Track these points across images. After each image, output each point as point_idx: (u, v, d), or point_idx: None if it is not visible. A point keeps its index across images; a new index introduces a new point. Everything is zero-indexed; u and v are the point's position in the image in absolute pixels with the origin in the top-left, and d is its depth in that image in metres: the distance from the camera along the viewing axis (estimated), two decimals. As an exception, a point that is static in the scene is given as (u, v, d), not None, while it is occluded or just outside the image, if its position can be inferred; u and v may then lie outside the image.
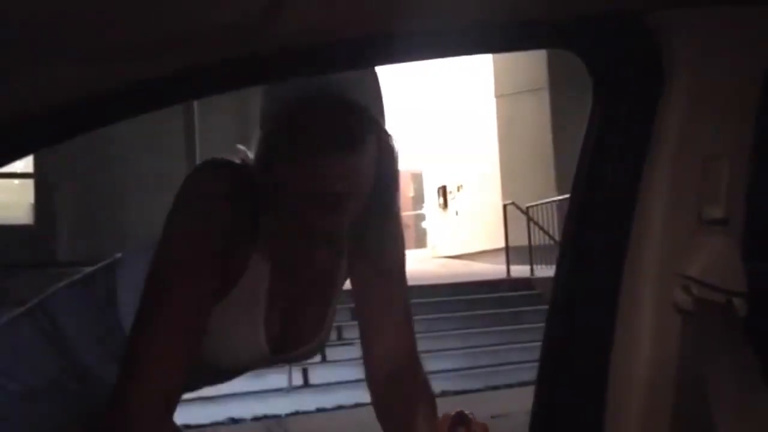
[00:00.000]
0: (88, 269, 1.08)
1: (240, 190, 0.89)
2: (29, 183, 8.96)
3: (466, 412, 0.89)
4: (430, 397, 1.06)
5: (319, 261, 0.97)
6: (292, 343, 1.03)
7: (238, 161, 0.93)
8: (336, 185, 0.83)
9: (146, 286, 0.88)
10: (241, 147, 0.94)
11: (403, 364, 1.06)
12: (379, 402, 1.07)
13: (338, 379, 5.89)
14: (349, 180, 0.84)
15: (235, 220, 0.88)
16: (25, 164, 8.67)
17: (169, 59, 0.58)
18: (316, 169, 0.82)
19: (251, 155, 0.91)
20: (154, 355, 0.84)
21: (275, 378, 6.00)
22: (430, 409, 1.03)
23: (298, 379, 6.27)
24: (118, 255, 1.07)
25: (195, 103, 6.66)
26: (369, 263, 1.03)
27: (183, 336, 0.86)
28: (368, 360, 1.07)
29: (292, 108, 0.84)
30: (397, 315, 1.07)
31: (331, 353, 6.08)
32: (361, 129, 0.86)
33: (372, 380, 1.07)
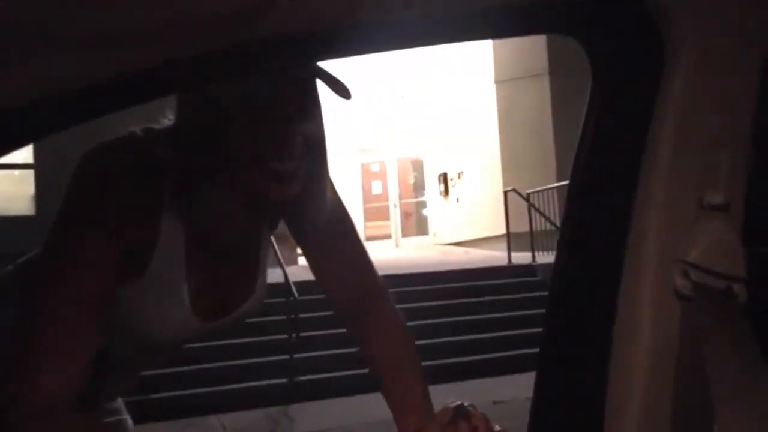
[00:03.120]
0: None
1: (134, 166, 0.86)
2: (30, 174, 8.96)
3: (466, 403, 0.89)
4: (403, 324, 1.08)
5: (244, 228, 0.97)
6: (224, 308, 1.01)
7: (138, 134, 0.91)
8: (294, 149, 0.83)
9: (36, 277, 0.86)
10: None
11: (364, 293, 1.08)
12: (349, 326, 1.10)
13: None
14: (303, 151, 0.84)
15: (129, 197, 0.85)
16: (25, 155, 8.67)
17: (166, 47, 0.57)
18: (272, 129, 0.82)
19: (158, 125, 0.90)
20: (45, 348, 0.80)
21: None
22: (404, 334, 1.06)
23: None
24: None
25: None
26: (306, 220, 1.02)
27: (74, 328, 0.82)
28: (329, 293, 1.10)
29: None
30: (346, 253, 1.08)
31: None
32: (313, 86, 0.86)
33: (337, 309, 1.11)
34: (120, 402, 1.24)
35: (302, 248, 1.09)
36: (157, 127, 0.92)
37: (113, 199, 0.84)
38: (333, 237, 1.06)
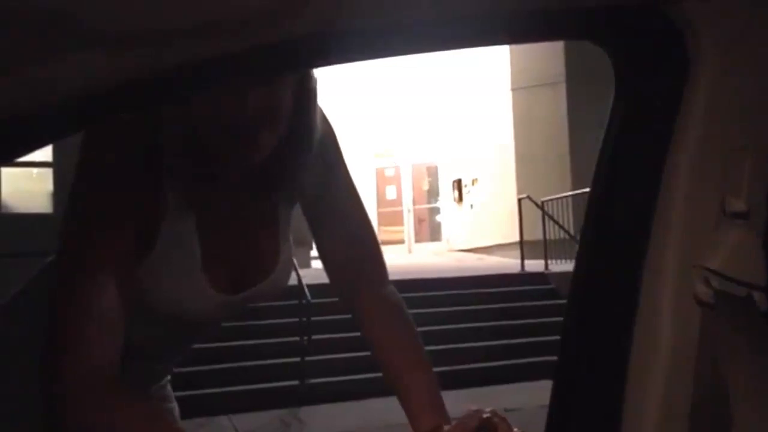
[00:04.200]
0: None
1: (137, 142, 0.89)
2: (48, 172, 9.05)
3: (489, 412, 0.87)
4: (408, 318, 1.08)
5: (251, 198, 0.99)
6: (241, 282, 1.02)
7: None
8: (251, 115, 0.85)
9: (58, 258, 0.89)
10: None
11: (364, 271, 1.10)
12: (347, 301, 1.11)
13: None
14: (264, 111, 0.86)
15: (134, 172, 0.88)
16: (44, 153, 8.76)
17: (192, 47, 0.58)
18: (234, 100, 0.84)
19: None
20: (79, 320, 0.83)
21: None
22: (410, 328, 1.07)
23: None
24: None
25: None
26: (313, 198, 1.05)
27: (105, 296, 0.85)
28: (326, 267, 1.11)
29: None
30: (351, 227, 1.10)
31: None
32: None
33: (334, 287, 1.12)
34: (169, 389, 1.24)
35: (306, 215, 1.11)
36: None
37: (122, 169, 0.88)
38: (336, 206, 1.08)
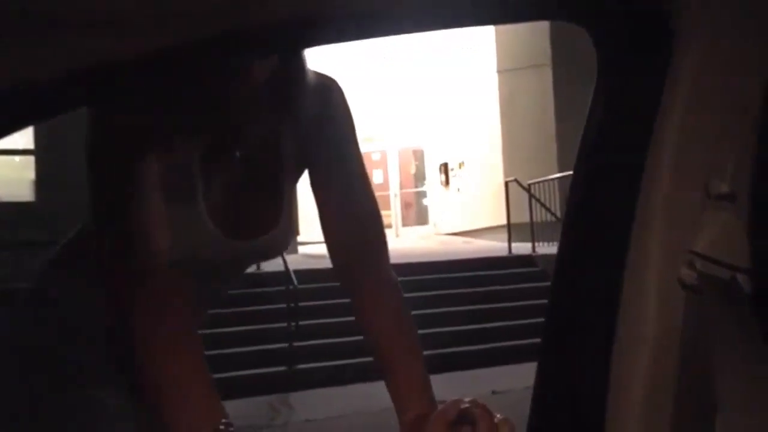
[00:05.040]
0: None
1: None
2: (30, 159, 8.95)
3: (469, 401, 0.86)
4: (402, 295, 1.10)
5: (253, 146, 1.02)
6: (247, 228, 1.04)
7: None
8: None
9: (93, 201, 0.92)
10: None
11: (367, 254, 1.10)
12: (346, 285, 1.11)
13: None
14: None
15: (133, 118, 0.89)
16: (26, 141, 8.65)
17: (167, 31, 0.57)
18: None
19: None
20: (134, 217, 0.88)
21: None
22: (402, 305, 1.08)
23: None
24: None
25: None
26: (324, 165, 1.08)
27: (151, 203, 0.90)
28: (328, 243, 1.12)
29: None
30: (352, 195, 1.10)
31: (333, 330, 6.10)
32: None
33: (333, 260, 1.13)
34: None
35: (314, 189, 1.12)
36: None
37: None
38: (342, 176, 1.09)
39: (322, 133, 1.07)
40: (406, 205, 16.23)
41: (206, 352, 1.00)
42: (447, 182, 13.98)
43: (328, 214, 1.10)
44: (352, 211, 1.09)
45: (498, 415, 0.86)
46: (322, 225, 1.11)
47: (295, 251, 8.00)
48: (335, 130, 1.09)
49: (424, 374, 1.01)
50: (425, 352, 1.06)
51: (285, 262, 6.25)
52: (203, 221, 0.99)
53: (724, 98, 0.64)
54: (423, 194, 15.84)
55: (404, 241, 13.72)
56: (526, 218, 9.17)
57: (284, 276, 6.28)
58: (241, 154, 1.02)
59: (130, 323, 0.87)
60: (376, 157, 16.07)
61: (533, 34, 10.49)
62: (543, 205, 9.03)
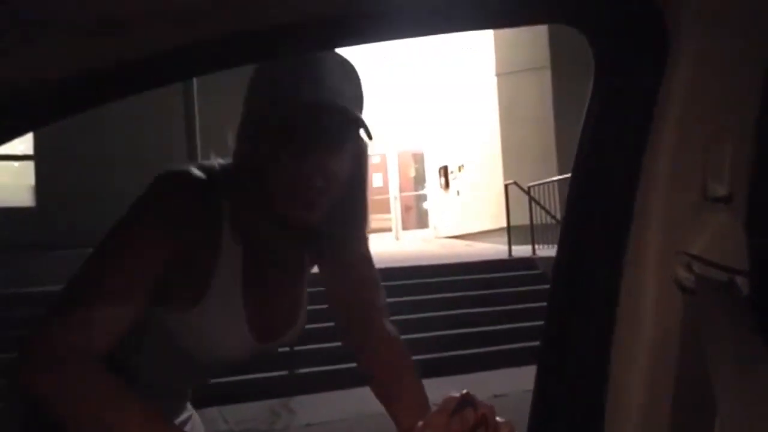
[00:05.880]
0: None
1: (200, 186, 0.94)
2: (30, 165, 8.96)
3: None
4: (410, 360, 1.13)
5: (291, 250, 1.06)
6: (273, 330, 1.08)
7: (198, 166, 1.00)
8: (317, 182, 0.91)
9: (99, 248, 0.92)
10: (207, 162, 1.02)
11: (375, 332, 1.14)
12: (353, 348, 1.16)
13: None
14: (328, 178, 0.92)
15: (192, 206, 0.93)
16: (25, 146, 8.66)
17: (171, 33, 0.57)
18: (301, 168, 0.90)
19: (215, 160, 1.01)
20: (93, 299, 0.86)
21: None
22: (412, 369, 1.11)
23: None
24: None
25: (194, 82, 6.62)
26: (337, 252, 1.11)
27: (125, 295, 0.88)
28: (334, 313, 1.18)
29: (281, 109, 0.91)
30: (364, 292, 1.16)
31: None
32: (345, 132, 0.94)
33: (347, 345, 1.18)
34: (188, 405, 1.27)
35: (325, 284, 1.17)
36: (213, 163, 1.02)
37: (177, 205, 0.93)
38: (357, 274, 1.15)
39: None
40: (406, 209, 16.22)
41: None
42: (447, 185, 13.97)
43: (331, 282, 1.16)
44: (354, 278, 1.15)
45: (499, 418, 0.87)
46: (325, 289, 1.17)
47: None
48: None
49: (423, 402, 1.04)
50: (426, 356, 1.09)
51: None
52: (243, 329, 1.01)
53: (720, 99, 0.65)
54: (423, 197, 15.83)
55: (404, 245, 13.71)
56: (526, 221, 9.17)
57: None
58: (274, 260, 1.06)
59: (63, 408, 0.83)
60: (375, 160, 16.06)
61: (532, 38, 10.50)
62: (543, 207, 9.03)
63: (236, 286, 0.99)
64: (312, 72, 0.91)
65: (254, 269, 1.00)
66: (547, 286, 0.79)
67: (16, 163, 9.29)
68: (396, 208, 15.80)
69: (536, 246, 8.91)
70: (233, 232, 0.97)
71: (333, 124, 0.91)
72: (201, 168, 0.98)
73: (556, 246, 0.78)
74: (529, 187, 9.36)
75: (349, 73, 0.96)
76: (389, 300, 1.20)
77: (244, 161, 0.94)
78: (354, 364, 1.16)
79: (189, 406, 1.27)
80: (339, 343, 1.24)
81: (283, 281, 1.08)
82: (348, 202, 1.01)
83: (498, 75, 11.56)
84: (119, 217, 0.94)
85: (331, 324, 1.20)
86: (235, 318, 1.00)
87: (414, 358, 1.14)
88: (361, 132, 0.99)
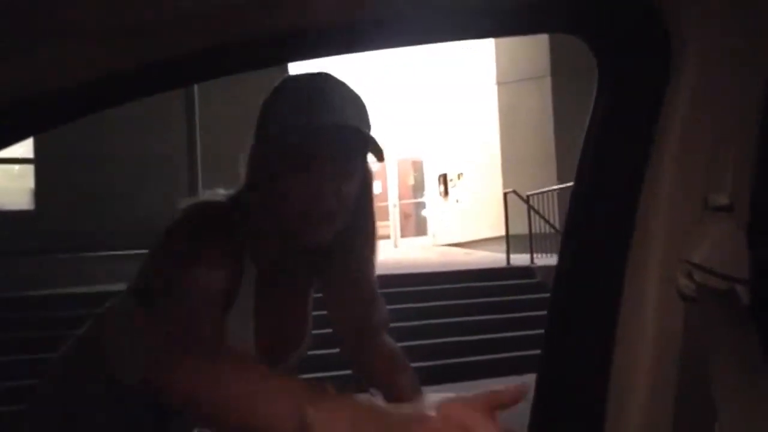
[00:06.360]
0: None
1: (223, 218, 0.98)
2: (29, 168, 8.95)
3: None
4: (409, 374, 1.17)
5: (300, 270, 1.09)
6: (277, 351, 1.10)
7: (218, 196, 1.04)
8: (330, 204, 0.94)
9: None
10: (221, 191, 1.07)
11: (371, 332, 1.19)
12: (355, 362, 1.21)
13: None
14: (342, 198, 0.95)
15: (223, 240, 0.96)
16: (25, 150, 8.66)
17: (175, 41, 0.57)
18: (317, 189, 0.93)
19: (223, 191, 1.05)
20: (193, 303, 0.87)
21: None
22: (409, 373, 1.16)
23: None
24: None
25: (195, 88, 6.63)
26: (340, 269, 1.14)
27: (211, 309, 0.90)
28: (336, 329, 1.21)
29: (297, 132, 0.93)
30: (362, 295, 1.18)
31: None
32: (357, 154, 0.98)
33: (342, 346, 1.22)
34: None
35: (324, 290, 1.20)
36: (226, 193, 1.07)
37: (213, 239, 0.95)
38: (355, 284, 1.17)
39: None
40: (405, 216, 16.21)
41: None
42: (446, 193, 13.97)
43: (333, 300, 1.19)
44: (357, 297, 1.18)
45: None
46: (327, 306, 1.20)
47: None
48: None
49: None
50: (424, 363, 1.11)
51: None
52: (251, 350, 1.03)
53: (723, 108, 0.65)
54: (422, 205, 15.83)
55: (403, 252, 13.69)
56: (525, 229, 9.16)
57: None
58: (284, 281, 1.08)
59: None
60: (374, 167, 16.04)
61: (532, 47, 10.53)
62: (542, 216, 9.02)
63: (250, 306, 1.02)
64: (324, 98, 0.95)
65: (266, 289, 1.04)
66: (545, 295, 0.79)
67: (16, 167, 9.29)
68: (395, 215, 15.80)
69: (535, 255, 8.90)
70: (251, 254, 1.00)
71: (347, 143, 0.94)
72: (214, 198, 1.03)
73: (554, 255, 0.78)
74: (528, 196, 9.36)
75: (356, 100, 0.99)
76: (387, 307, 1.22)
77: (258, 186, 0.98)
78: (347, 372, 1.18)
79: None
80: (332, 351, 1.27)
81: (289, 302, 1.11)
82: (356, 222, 1.03)
83: (498, 83, 11.59)
84: (157, 252, 0.98)
85: (326, 331, 1.22)
86: (245, 336, 1.03)
87: (411, 365, 1.16)
88: (370, 155, 1.01)
